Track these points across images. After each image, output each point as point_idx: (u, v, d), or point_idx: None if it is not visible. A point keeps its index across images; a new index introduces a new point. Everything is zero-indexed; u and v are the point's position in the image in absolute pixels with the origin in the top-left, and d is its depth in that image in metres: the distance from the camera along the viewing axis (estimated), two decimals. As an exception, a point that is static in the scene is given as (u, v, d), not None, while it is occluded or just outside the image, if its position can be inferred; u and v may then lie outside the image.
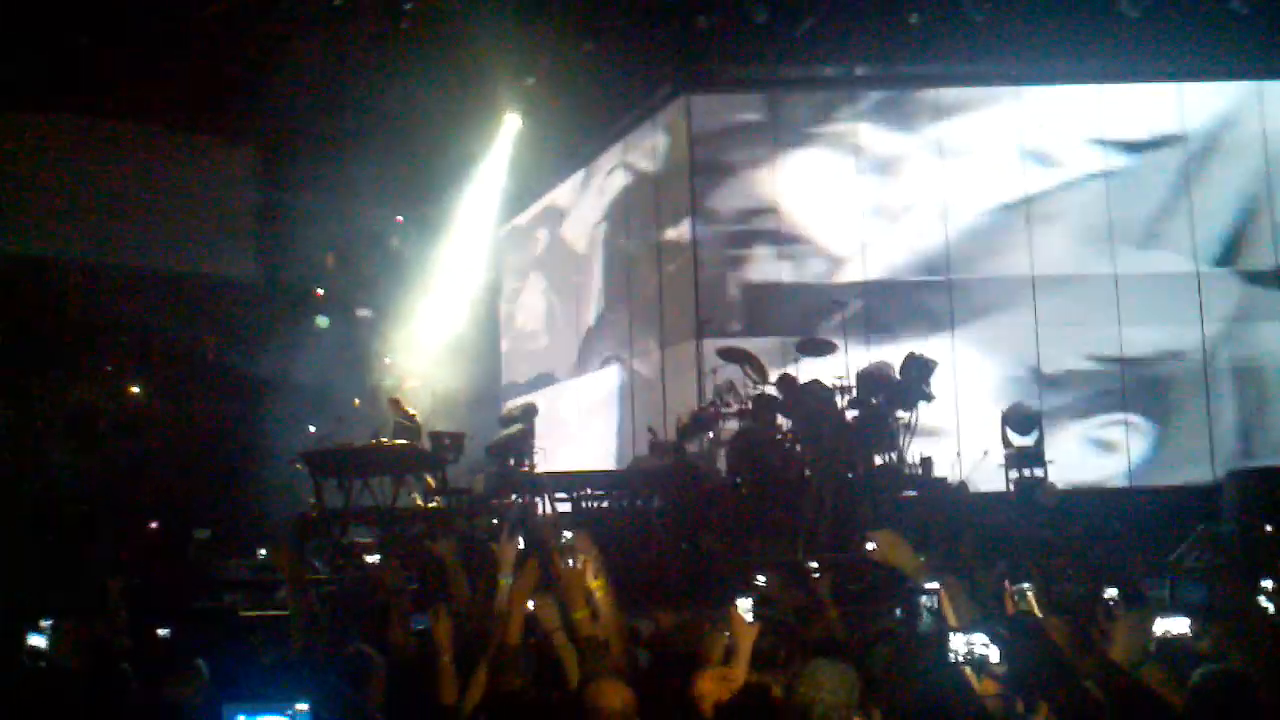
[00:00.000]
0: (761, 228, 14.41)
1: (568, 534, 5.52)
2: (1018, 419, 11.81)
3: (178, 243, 14.13)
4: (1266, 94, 13.90)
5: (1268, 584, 5.97)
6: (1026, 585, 5.93)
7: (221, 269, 14.63)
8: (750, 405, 11.91)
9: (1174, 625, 4.92)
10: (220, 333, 14.12)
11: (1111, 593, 5.63)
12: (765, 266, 14.45)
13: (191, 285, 14.12)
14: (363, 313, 15.61)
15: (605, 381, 15.96)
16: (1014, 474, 11.65)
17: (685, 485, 11.26)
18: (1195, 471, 12.58)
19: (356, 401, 13.40)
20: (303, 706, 1.42)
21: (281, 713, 1.44)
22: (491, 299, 17.16)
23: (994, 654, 3.82)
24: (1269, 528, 8.39)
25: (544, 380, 16.99)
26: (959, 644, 3.80)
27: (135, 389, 12.91)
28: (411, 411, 12.67)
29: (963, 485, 11.74)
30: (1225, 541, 8.76)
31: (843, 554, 8.68)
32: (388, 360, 14.99)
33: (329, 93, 13.53)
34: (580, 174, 16.72)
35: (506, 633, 4.71)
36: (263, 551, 10.05)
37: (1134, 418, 13.25)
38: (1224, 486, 10.55)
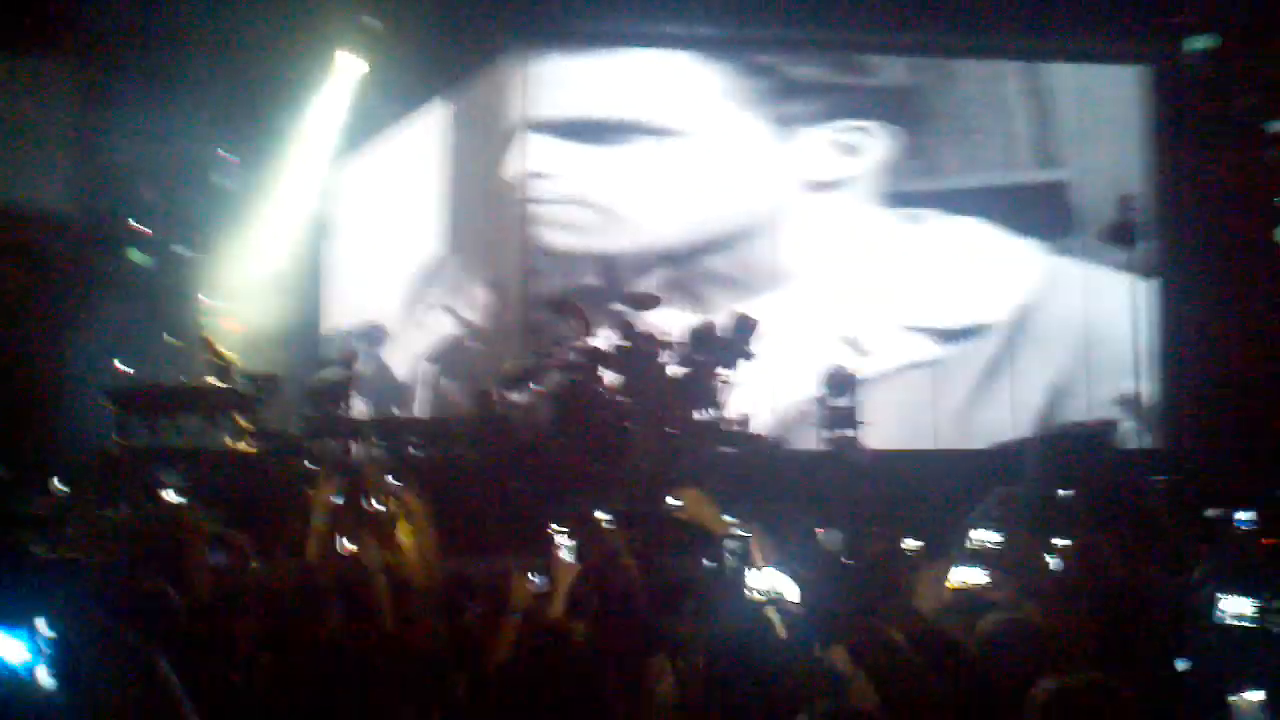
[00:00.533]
0: (595, 184, 14.43)
1: (390, 479, 5.50)
2: (834, 380, 12.10)
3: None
4: None
5: (1058, 542, 6.25)
6: (835, 534, 6.08)
7: (29, 194, 13.86)
8: (575, 358, 11.92)
9: (969, 577, 5.14)
10: (25, 263, 13.41)
11: (914, 545, 5.81)
12: (596, 222, 14.49)
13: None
14: (179, 249, 15.00)
15: (432, 329, 15.77)
16: (828, 433, 11.95)
17: (499, 436, 11.22)
18: (1000, 436, 13.08)
19: (168, 338, 12.90)
20: (42, 625, 1.34)
21: (19, 631, 1.35)
22: (317, 241, 16.68)
23: (793, 593, 3.91)
24: (1062, 491, 8.75)
25: (371, 328, 16.67)
26: (761, 583, 3.89)
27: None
28: (224, 351, 12.30)
29: (779, 443, 12.01)
30: (1021, 502, 9.13)
31: (654, 508, 8.77)
32: (203, 298, 14.47)
33: (156, 15, 12.95)
34: (418, 117, 16.39)
35: (317, 573, 4.65)
36: (60, 485, 9.63)
37: (943, 382, 13.70)
38: (1024, 450, 11.01)
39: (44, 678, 1.21)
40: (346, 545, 4.86)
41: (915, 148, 14.34)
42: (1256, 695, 3.34)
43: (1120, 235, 13.43)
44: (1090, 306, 14.08)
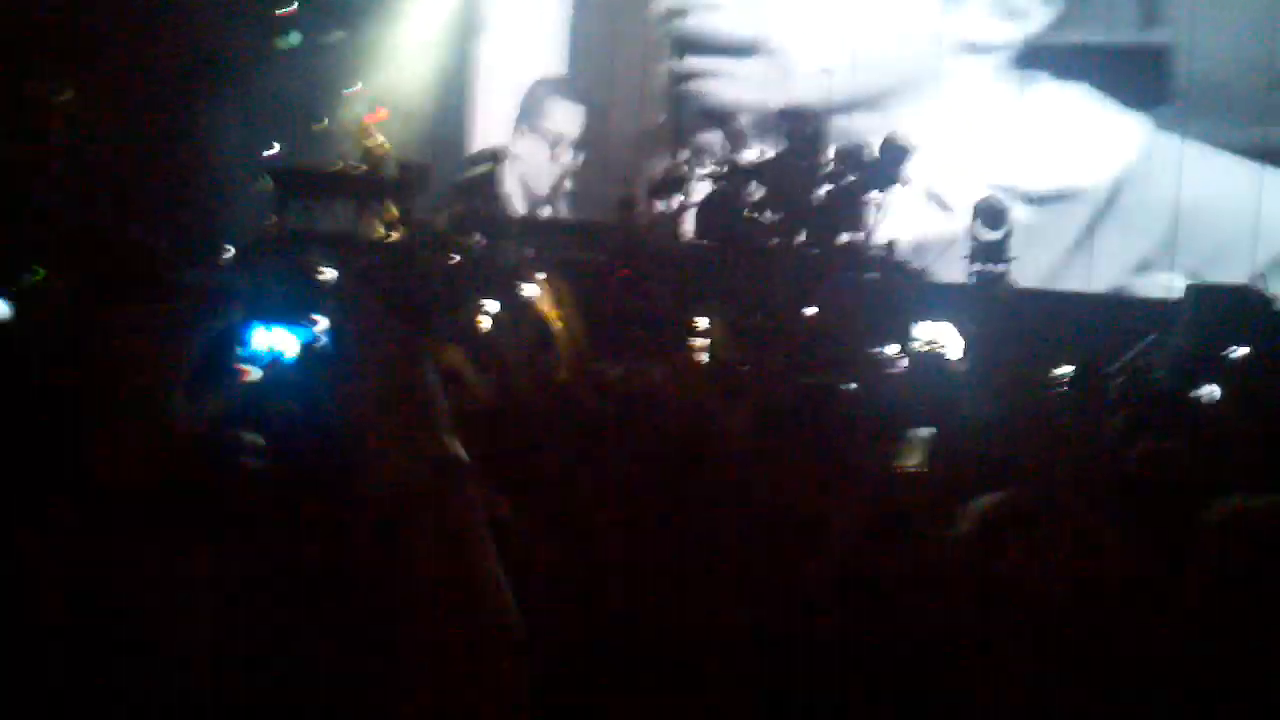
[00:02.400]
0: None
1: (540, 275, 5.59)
2: (988, 212, 11.76)
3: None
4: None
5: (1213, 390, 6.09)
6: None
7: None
8: (723, 169, 11.79)
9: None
10: (181, 40, 13.58)
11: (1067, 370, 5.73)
12: (751, 22, 14.24)
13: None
14: (335, 34, 15.07)
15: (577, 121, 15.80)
16: (976, 267, 11.68)
17: (639, 243, 11.24)
18: (1156, 285, 12.62)
19: (325, 123, 13.06)
20: (323, 322, 1.40)
21: (299, 327, 1.42)
22: (467, 34, 16.57)
23: (953, 351, 3.92)
24: (1237, 349, 8.27)
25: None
26: (924, 333, 3.90)
27: (70, 93, 12.31)
28: (379, 140, 12.43)
29: (923, 272, 11.79)
30: (1175, 352, 8.89)
31: (792, 323, 8.77)
32: (358, 85, 14.58)
33: None
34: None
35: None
36: (230, 250, 9.96)
37: (1100, 227, 13.21)
38: (1182, 300, 10.60)
39: (318, 366, 1.27)
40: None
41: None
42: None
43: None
44: (1185, 184, 13.03)
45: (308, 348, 1.30)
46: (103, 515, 1.34)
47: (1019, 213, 12.56)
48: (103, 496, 1.36)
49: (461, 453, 1.27)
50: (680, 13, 14.51)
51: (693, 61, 14.03)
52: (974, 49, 13.66)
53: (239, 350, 1.41)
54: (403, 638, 1.22)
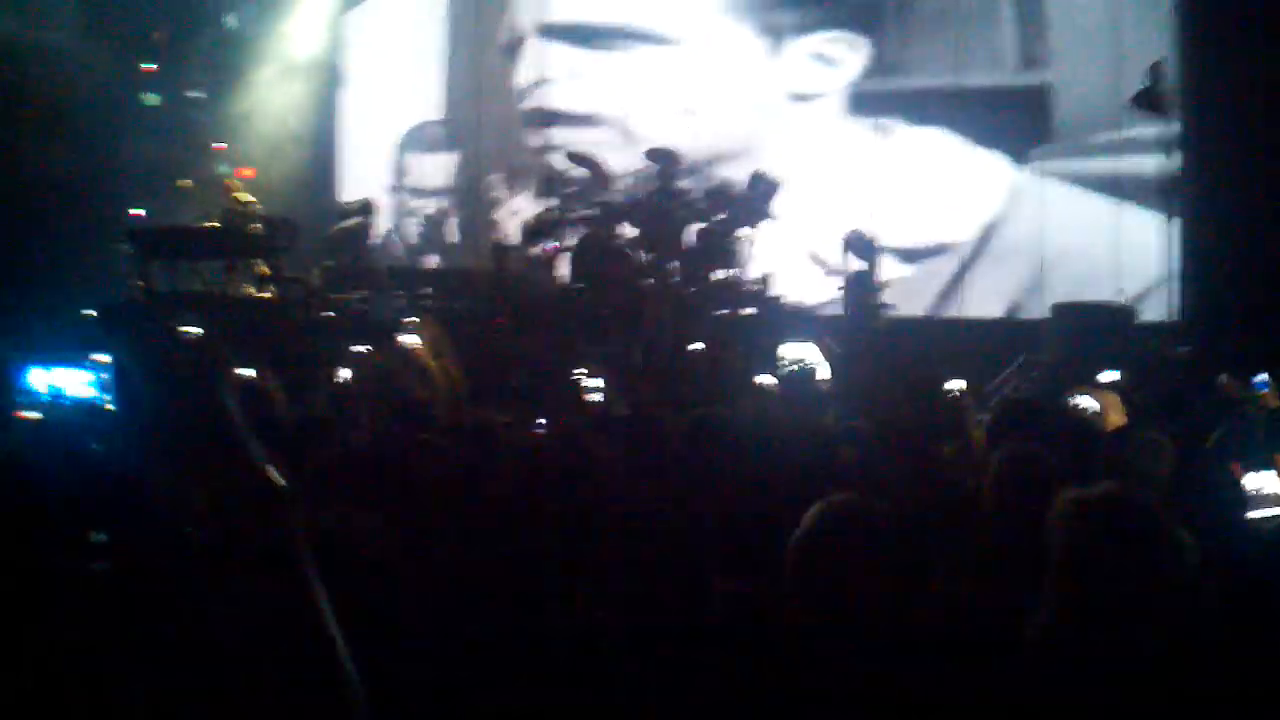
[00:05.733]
0: (614, 27, 14.29)
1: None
2: (856, 243, 11.94)
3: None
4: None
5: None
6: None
7: (38, 33, 13.55)
8: (596, 212, 11.83)
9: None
10: (36, 103, 13.18)
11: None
12: (616, 71, 14.33)
13: (4, 46, 13.07)
14: (194, 94, 14.80)
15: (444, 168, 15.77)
16: (850, 298, 11.83)
17: (514, 291, 11.23)
18: (1025, 307, 12.88)
19: (184, 183, 12.75)
20: (103, 357, 1.32)
21: (80, 365, 1.34)
22: (330, 88, 16.40)
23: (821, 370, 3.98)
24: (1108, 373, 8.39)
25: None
26: (791, 353, 3.98)
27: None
28: (245, 197, 12.21)
29: (797, 305, 11.93)
30: (1044, 368, 9.14)
31: (677, 359, 8.82)
32: (219, 145, 14.34)
33: None
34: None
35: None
36: (90, 313, 9.66)
37: (967, 252, 13.49)
38: (1048, 320, 10.89)
39: (106, 407, 1.18)
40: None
41: (894, 54, 13.65)
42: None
43: (1151, 103, 12.70)
44: (1053, 222, 13.00)
45: (99, 384, 1.22)
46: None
47: (893, 268, 12.70)
48: None
49: (279, 479, 1.19)
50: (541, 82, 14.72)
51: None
52: (799, 99, 13.94)
53: (14, 392, 1.33)
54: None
